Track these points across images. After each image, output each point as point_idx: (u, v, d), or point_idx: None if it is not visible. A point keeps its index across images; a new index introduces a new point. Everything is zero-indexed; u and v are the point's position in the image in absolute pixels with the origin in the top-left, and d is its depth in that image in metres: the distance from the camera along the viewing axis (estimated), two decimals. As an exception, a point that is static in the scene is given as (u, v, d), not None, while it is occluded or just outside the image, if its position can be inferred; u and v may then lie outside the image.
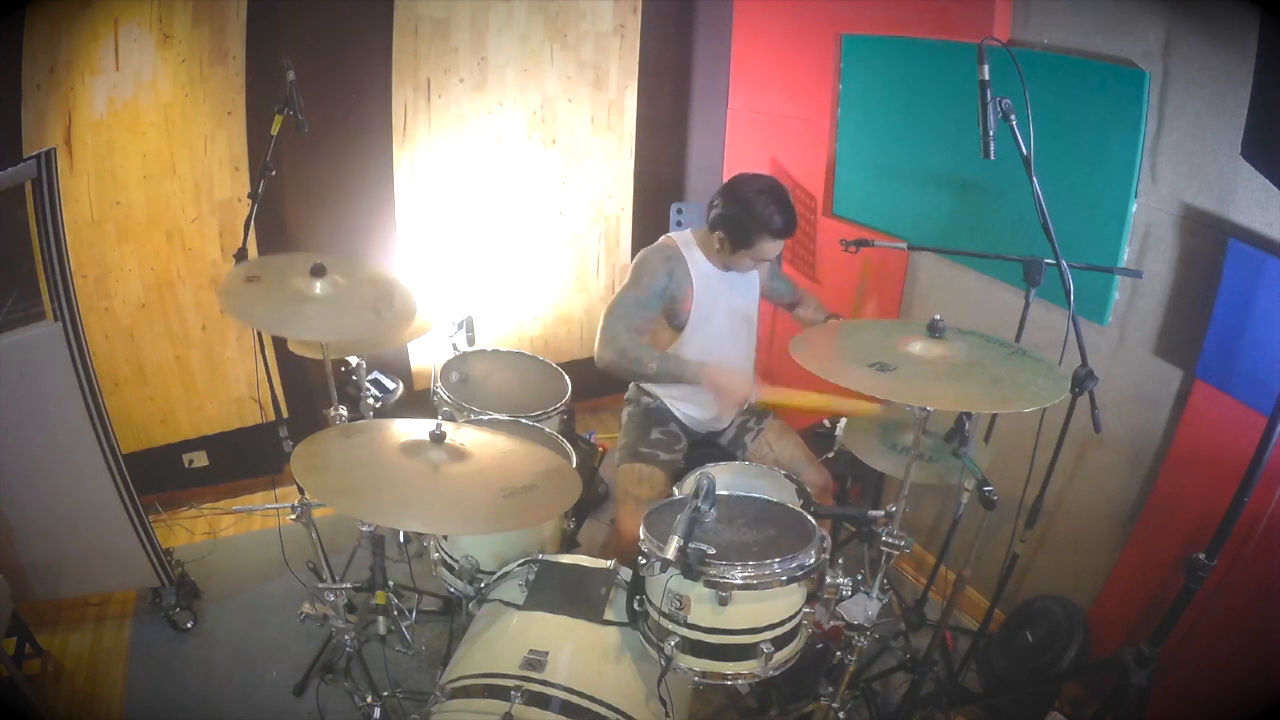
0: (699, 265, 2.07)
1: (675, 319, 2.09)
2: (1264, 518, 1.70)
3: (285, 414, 2.99)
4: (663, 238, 2.15)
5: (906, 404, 1.51)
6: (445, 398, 2.30)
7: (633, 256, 2.15)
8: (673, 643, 1.40)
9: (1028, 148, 1.52)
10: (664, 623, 1.42)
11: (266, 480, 3.14)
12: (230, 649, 2.36)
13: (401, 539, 2.11)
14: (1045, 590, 2.24)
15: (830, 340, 1.74)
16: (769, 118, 3.16)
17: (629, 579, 1.55)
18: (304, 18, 2.74)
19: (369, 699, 1.81)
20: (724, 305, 2.12)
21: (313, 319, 1.76)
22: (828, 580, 1.49)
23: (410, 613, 1.82)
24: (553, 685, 1.37)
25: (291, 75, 1.98)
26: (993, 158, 1.50)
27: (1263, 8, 1.45)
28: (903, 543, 1.59)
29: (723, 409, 2.17)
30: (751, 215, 1.93)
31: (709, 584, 1.34)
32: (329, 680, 2.04)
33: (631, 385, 2.31)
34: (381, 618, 1.74)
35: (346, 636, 1.83)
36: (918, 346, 1.54)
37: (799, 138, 3.01)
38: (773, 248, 1.99)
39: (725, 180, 2.07)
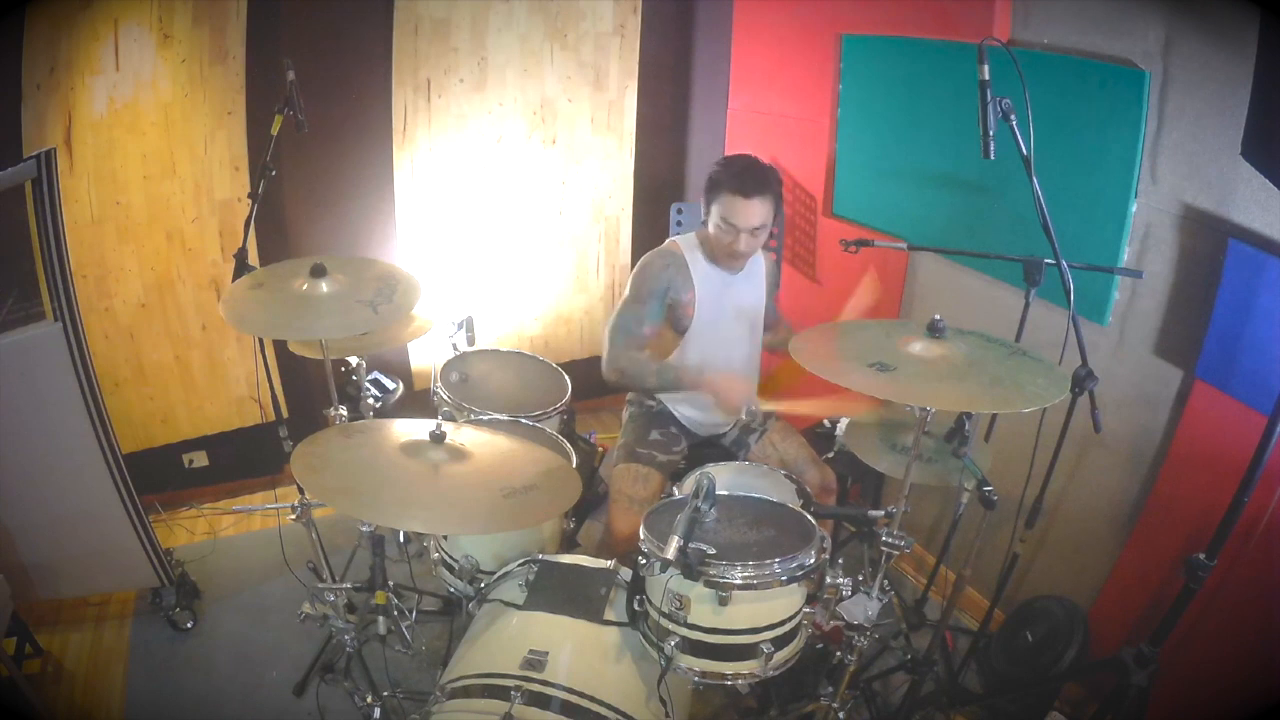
0: (701, 268, 2.06)
1: (678, 324, 2.08)
2: (1264, 518, 1.70)
3: (285, 414, 3.00)
4: (667, 241, 2.14)
5: (907, 404, 1.51)
6: (445, 398, 2.30)
7: (633, 257, 2.15)
8: (673, 643, 1.40)
9: (1028, 148, 1.52)
10: (664, 623, 1.42)
11: (266, 480, 3.15)
12: (230, 649, 2.36)
13: (401, 539, 2.10)
14: (1045, 590, 2.24)
15: (830, 340, 1.74)
16: (769, 118, 3.16)
17: (629, 579, 1.55)
18: (304, 18, 2.74)
19: (369, 699, 1.81)
20: (728, 308, 2.11)
21: (312, 319, 1.76)
22: (828, 580, 1.49)
23: (410, 613, 1.81)
24: (553, 685, 1.37)
25: (291, 75, 1.98)
26: (993, 158, 1.50)
27: (1263, 8, 1.45)
28: (903, 543, 1.59)
29: (723, 414, 2.17)
30: (715, 173, 1.98)
31: (709, 584, 1.34)
32: (329, 680, 2.03)
33: None
34: (381, 618, 1.74)
35: (346, 636, 1.83)
36: (918, 346, 1.54)
37: (799, 138, 3.01)
38: (740, 208, 1.92)
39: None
